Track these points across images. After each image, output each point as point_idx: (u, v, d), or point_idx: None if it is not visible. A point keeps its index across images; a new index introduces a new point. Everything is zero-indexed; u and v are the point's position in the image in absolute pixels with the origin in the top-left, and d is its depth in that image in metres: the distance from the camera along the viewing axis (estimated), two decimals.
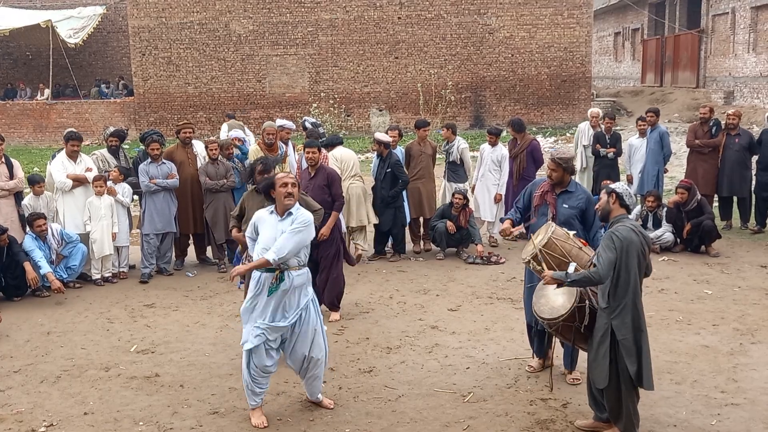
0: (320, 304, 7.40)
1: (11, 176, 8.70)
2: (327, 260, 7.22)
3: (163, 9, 23.85)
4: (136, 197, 9.37)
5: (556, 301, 5.03)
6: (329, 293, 7.28)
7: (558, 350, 5.75)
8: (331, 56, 24.23)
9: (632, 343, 4.63)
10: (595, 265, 4.63)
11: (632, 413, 4.74)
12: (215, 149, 9.12)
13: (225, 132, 17.13)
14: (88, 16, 26.59)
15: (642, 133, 10.82)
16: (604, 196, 4.86)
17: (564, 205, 5.64)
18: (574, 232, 5.32)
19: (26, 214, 8.57)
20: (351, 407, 5.36)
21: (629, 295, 4.62)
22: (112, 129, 9.55)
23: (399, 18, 24.00)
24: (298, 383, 5.73)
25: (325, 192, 7.31)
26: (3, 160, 8.73)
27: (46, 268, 8.03)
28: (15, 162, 8.89)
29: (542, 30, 24.06)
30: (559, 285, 4.85)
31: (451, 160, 10.03)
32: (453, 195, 9.60)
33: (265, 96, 24.45)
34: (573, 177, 5.82)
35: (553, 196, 5.68)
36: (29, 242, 8.18)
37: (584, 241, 5.29)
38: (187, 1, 23.83)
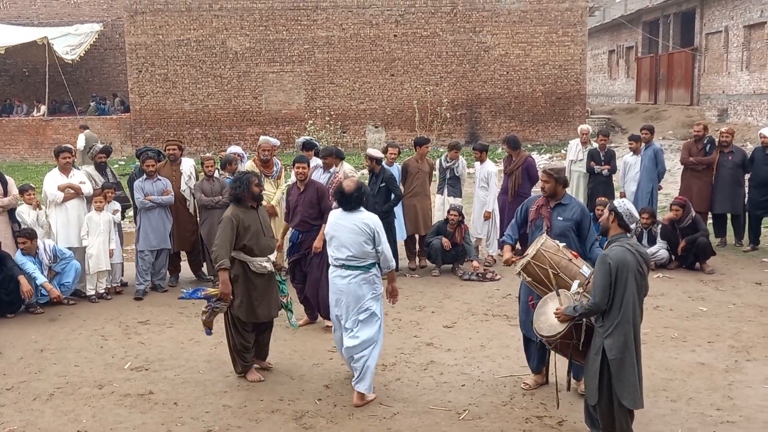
0: (313, 319, 7.53)
1: (5, 193, 8.69)
2: (318, 273, 7.23)
3: (160, 26, 23.96)
4: (130, 214, 9.35)
5: (555, 318, 5.06)
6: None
7: (560, 367, 5.73)
8: (327, 73, 24.35)
9: (619, 363, 4.64)
10: (592, 296, 4.67)
11: (625, 431, 4.74)
12: (211, 165, 9.12)
13: (81, 143, 16.68)
14: (85, 33, 26.68)
15: (635, 152, 10.87)
16: (605, 211, 4.90)
17: (558, 218, 5.71)
18: (564, 243, 5.37)
19: (20, 223, 8.59)
20: (347, 425, 5.33)
21: (623, 315, 4.62)
22: (99, 146, 9.55)
23: (395, 36, 24.15)
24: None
25: (314, 207, 7.33)
26: None
27: (41, 279, 8.03)
28: (9, 179, 8.90)
29: (537, 48, 24.24)
30: (572, 319, 4.86)
31: (456, 175, 10.09)
32: (448, 212, 9.61)
33: (261, 113, 24.52)
34: (566, 190, 5.89)
35: (548, 209, 5.76)
36: (20, 255, 8.17)
37: (575, 253, 5.34)
38: (183, 19, 23.95)
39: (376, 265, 5.77)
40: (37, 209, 8.88)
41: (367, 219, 5.70)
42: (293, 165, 7.54)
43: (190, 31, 24.02)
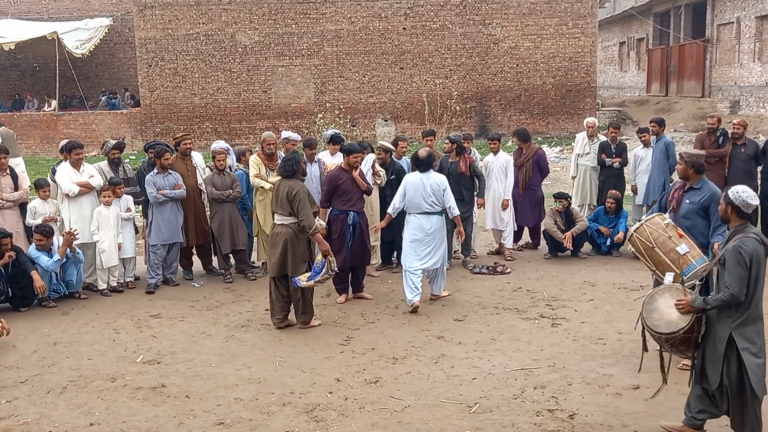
0: (356, 292, 8.40)
1: (16, 188, 8.75)
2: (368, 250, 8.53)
3: (170, 20, 23.99)
4: (139, 207, 9.37)
5: (671, 314, 4.94)
6: (363, 278, 8.45)
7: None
8: (337, 67, 24.32)
9: (756, 351, 4.63)
10: (728, 287, 4.60)
11: (755, 421, 4.71)
12: (222, 160, 9.14)
13: None
14: (95, 27, 26.77)
15: (645, 144, 10.79)
16: (722, 203, 4.98)
17: (686, 201, 6.19)
18: (668, 221, 5.76)
19: (31, 218, 8.60)
20: (357, 418, 5.35)
21: (754, 305, 4.64)
22: (112, 142, 9.56)
23: (404, 29, 24.08)
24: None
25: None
26: (8, 171, 8.79)
27: (57, 256, 8.12)
28: (20, 173, 8.95)
29: (547, 40, 24.12)
30: (699, 311, 4.82)
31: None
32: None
33: (271, 107, 24.54)
34: (702, 175, 6.20)
35: (680, 193, 6.27)
36: (34, 249, 8.21)
37: (680, 233, 5.68)
38: (193, 13, 23.97)
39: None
40: (58, 214, 8.84)
41: (440, 178, 7.95)
42: (346, 155, 8.27)
43: (199, 25, 24.04)
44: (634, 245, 5.76)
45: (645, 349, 5.22)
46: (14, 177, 8.82)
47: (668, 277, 5.23)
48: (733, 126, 10.53)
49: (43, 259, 8.11)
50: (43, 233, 8.24)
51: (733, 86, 23.32)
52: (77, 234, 8.32)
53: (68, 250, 8.26)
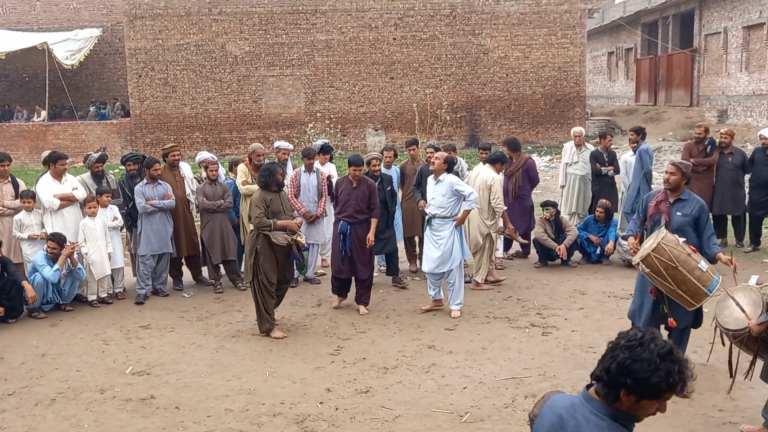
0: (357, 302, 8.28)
1: (17, 195, 8.72)
2: (369, 254, 8.24)
3: (160, 31, 23.99)
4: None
5: (740, 312, 5.08)
6: (367, 292, 8.24)
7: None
8: (327, 77, 24.36)
9: None
10: None
11: None
12: (215, 170, 9.14)
13: None
14: (85, 38, 26.74)
15: (634, 150, 10.84)
16: None
17: (677, 213, 5.92)
18: (684, 239, 5.58)
19: (17, 230, 8.54)
20: (348, 428, 5.33)
21: None
22: (95, 155, 9.53)
23: (394, 39, 24.16)
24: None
25: (365, 201, 8.12)
26: (9, 179, 8.77)
27: (56, 266, 8.09)
28: (21, 181, 8.96)
29: (536, 50, 24.25)
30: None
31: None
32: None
33: (261, 116, 24.54)
34: (687, 186, 6.05)
35: (667, 204, 5.97)
36: (42, 257, 8.18)
37: (693, 248, 5.53)
38: (183, 23, 23.98)
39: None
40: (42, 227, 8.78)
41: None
42: (349, 166, 8.23)
43: (189, 36, 24.04)
44: (651, 266, 5.47)
45: (723, 343, 5.33)
46: (15, 185, 8.80)
47: (753, 279, 5.28)
48: (720, 135, 10.61)
49: (46, 270, 8.07)
50: (57, 241, 8.21)
51: (721, 95, 23.51)
52: (79, 247, 8.32)
53: (70, 263, 8.24)
